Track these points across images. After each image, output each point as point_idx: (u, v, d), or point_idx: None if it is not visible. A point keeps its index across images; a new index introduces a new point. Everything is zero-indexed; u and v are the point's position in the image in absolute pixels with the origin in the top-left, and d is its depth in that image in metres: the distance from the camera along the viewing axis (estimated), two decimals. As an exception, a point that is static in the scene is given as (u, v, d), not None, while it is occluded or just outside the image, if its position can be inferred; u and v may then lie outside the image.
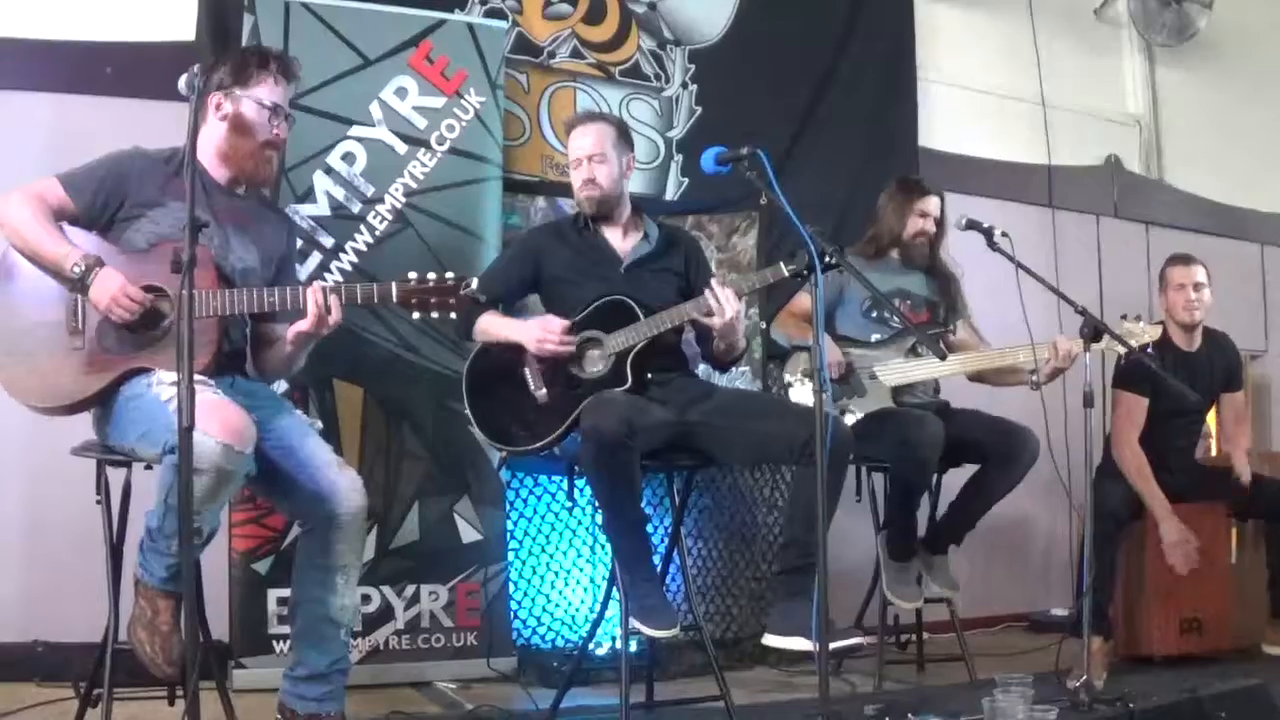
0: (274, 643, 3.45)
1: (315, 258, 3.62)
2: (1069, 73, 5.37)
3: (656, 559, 3.13)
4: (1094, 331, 3.23)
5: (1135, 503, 3.94)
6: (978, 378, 3.91)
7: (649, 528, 3.13)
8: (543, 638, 3.96)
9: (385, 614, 3.62)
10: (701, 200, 4.38)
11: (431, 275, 2.65)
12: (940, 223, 3.90)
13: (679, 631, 2.97)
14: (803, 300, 3.78)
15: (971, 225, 3.38)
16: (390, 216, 3.71)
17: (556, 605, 4.00)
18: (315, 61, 3.54)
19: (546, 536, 4.01)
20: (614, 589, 3.06)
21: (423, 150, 3.76)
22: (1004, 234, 3.34)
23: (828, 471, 2.59)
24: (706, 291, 3.01)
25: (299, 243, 3.30)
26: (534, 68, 4.22)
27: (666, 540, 3.44)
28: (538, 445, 3.05)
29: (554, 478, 3.86)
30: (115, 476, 2.68)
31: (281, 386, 3.31)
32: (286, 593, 2.92)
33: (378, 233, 3.70)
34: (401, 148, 3.74)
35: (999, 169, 5.17)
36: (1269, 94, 5.83)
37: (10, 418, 2.76)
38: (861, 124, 4.74)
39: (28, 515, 3.54)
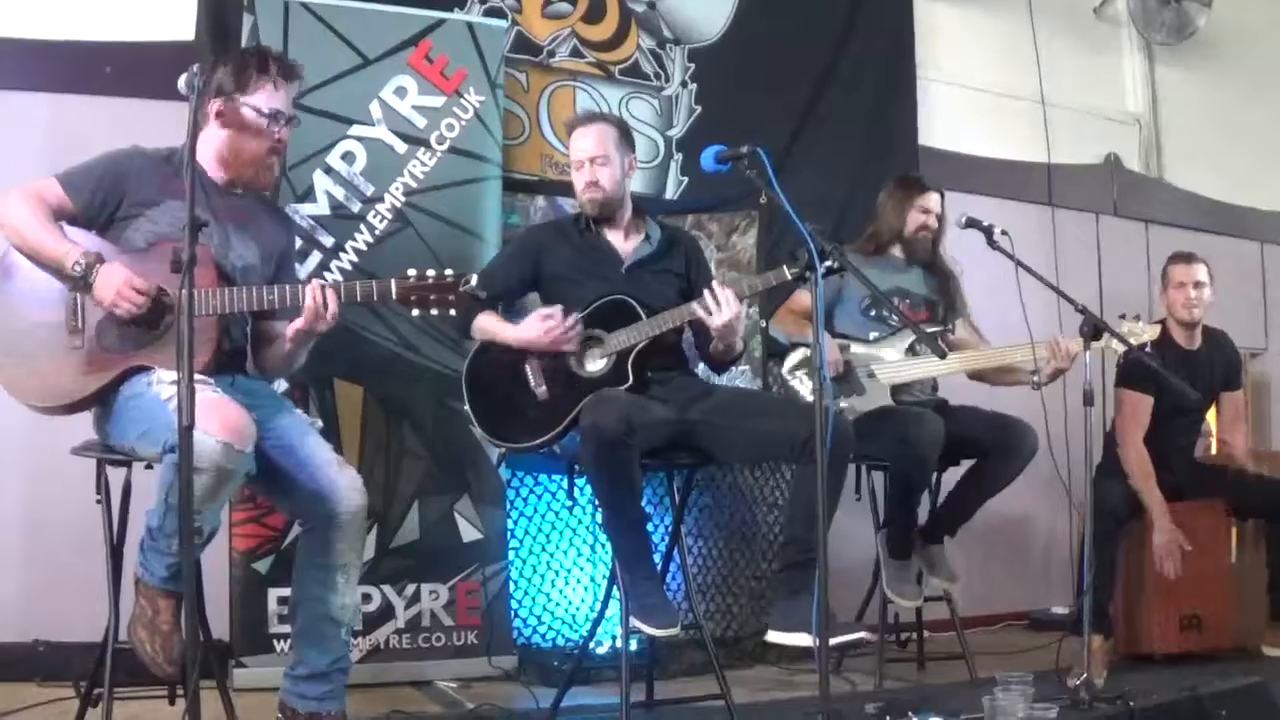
0: (274, 642, 3.45)
1: (315, 257, 3.62)
2: (1068, 71, 5.37)
3: (657, 558, 3.13)
4: (1094, 330, 3.23)
5: (1135, 501, 3.94)
6: (977, 377, 3.91)
7: (649, 526, 3.13)
8: (543, 636, 3.96)
9: (386, 613, 3.62)
10: (701, 199, 4.38)
11: (431, 272, 2.65)
12: (941, 219, 3.90)
13: (679, 630, 2.97)
14: (801, 298, 3.78)
15: (971, 224, 3.39)
16: (390, 216, 3.71)
17: (557, 604, 4.00)
18: (315, 61, 3.53)
19: (547, 535, 4.01)
20: (614, 588, 3.06)
21: (422, 149, 3.76)
22: (1003, 232, 3.34)
23: (828, 470, 2.59)
24: (707, 292, 3.01)
25: (299, 242, 3.31)
26: (533, 67, 4.21)
27: (667, 539, 3.44)
28: (538, 442, 3.04)
29: (554, 476, 3.86)
30: (115, 476, 2.68)
31: (282, 385, 3.31)
32: (287, 592, 2.92)
33: (377, 232, 3.70)
34: (401, 147, 3.74)
35: (998, 167, 5.17)
36: (1268, 92, 5.82)
37: (10, 417, 2.76)
38: (861, 122, 4.74)
39: (28, 514, 3.54)
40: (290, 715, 2.63)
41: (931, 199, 3.91)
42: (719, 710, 3.05)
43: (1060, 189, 5.30)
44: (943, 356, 3.10)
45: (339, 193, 3.67)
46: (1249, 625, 4.16)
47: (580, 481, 3.19)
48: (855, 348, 3.74)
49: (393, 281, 2.64)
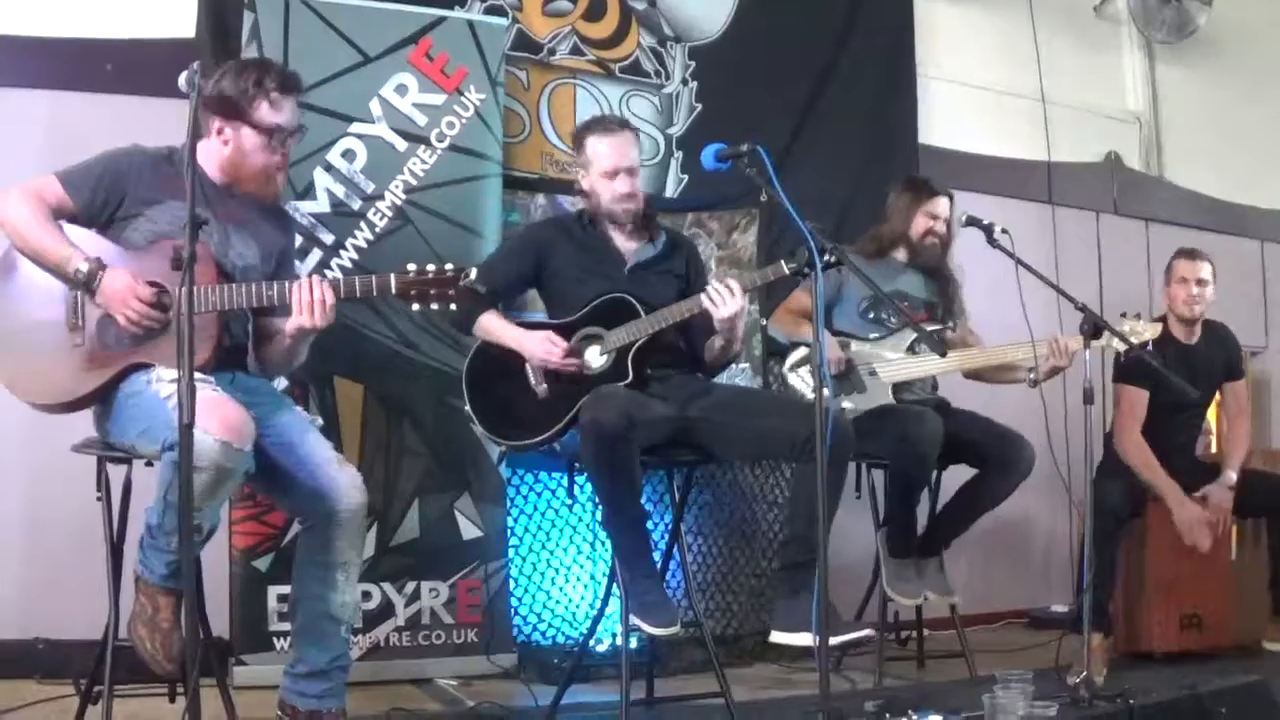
0: (274, 639, 3.45)
1: (315, 255, 3.62)
2: (1069, 69, 5.36)
3: (657, 555, 3.14)
4: (1094, 328, 3.23)
5: (1135, 500, 3.94)
6: (975, 375, 3.91)
7: (649, 524, 3.13)
8: (543, 634, 3.96)
9: (386, 611, 3.62)
10: (701, 197, 4.38)
11: (431, 266, 2.66)
12: (949, 224, 3.86)
13: (679, 628, 2.97)
14: (800, 297, 3.79)
15: (971, 222, 3.39)
16: (390, 213, 3.71)
17: (557, 602, 4.00)
18: (315, 58, 3.55)
19: (547, 533, 4.01)
20: (614, 585, 3.07)
21: (423, 147, 3.76)
22: (1004, 230, 3.33)
23: (829, 468, 2.58)
24: (711, 285, 3.00)
25: (299, 239, 3.31)
26: (534, 64, 4.21)
27: (667, 537, 3.43)
28: (538, 440, 3.05)
29: (554, 474, 3.86)
30: (115, 473, 2.68)
31: (282, 383, 3.31)
32: (287, 590, 2.93)
33: (378, 229, 3.70)
34: (401, 145, 3.73)
35: (999, 165, 5.16)
36: (1269, 91, 5.82)
37: (10, 415, 2.76)
38: (861, 120, 4.74)
39: (28, 512, 3.53)
40: (290, 713, 2.64)
41: (940, 204, 3.88)
42: (719, 708, 3.05)
43: (1060, 187, 5.29)
44: (943, 354, 3.10)
45: (339, 190, 3.67)
46: (1249, 624, 4.17)
47: (580, 479, 3.19)
48: (856, 346, 3.74)
49: (392, 276, 2.65)
